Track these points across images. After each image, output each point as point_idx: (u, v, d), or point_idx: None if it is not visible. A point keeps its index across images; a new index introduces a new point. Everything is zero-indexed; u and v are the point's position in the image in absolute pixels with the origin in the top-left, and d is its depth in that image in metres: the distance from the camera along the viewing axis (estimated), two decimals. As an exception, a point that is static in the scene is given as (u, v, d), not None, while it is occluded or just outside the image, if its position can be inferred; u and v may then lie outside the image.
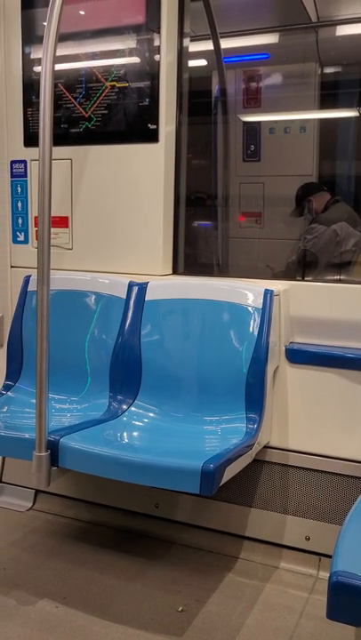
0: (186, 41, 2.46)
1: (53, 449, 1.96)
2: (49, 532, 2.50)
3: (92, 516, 2.59)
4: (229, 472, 1.88)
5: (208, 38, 2.81)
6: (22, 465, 2.03)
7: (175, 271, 2.53)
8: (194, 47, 2.63)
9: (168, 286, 2.39)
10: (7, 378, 2.51)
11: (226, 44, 3.18)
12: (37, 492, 2.70)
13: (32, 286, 2.55)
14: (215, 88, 3.42)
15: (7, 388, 2.49)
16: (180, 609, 2.02)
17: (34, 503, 2.69)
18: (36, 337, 1.99)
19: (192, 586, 2.15)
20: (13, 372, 2.51)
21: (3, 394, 2.47)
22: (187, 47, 2.48)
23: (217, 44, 2.88)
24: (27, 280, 2.58)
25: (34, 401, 2.01)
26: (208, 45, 2.85)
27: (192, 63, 2.60)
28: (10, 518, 2.61)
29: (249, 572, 2.26)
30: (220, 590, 2.13)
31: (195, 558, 2.33)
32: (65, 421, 2.22)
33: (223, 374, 2.19)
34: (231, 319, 2.23)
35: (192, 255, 2.81)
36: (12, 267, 2.72)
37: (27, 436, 2.01)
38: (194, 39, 2.67)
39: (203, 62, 3.38)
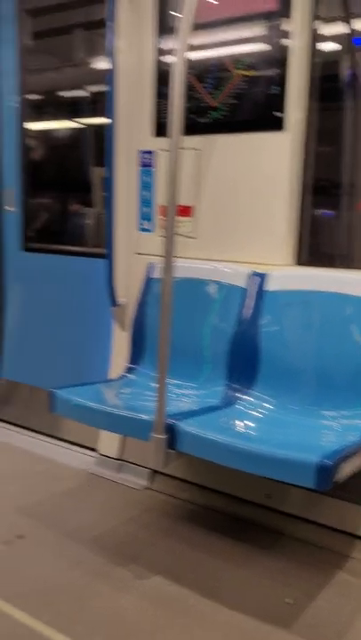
0: (318, 25, 2.40)
1: (171, 432, 2.02)
2: (163, 511, 2.59)
3: (205, 500, 2.64)
4: (347, 469, 1.84)
5: (339, 20, 2.71)
6: (141, 445, 2.11)
7: (299, 261, 2.49)
8: (323, 30, 2.54)
9: (290, 277, 2.37)
10: (130, 361, 2.61)
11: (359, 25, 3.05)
12: (154, 472, 2.80)
13: (155, 273, 2.62)
14: (345, 72, 3.29)
15: (129, 370, 2.60)
16: (288, 601, 2.02)
17: (150, 482, 2.79)
18: (158, 323, 2.06)
19: (301, 579, 2.14)
20: (136, 356, 2.61)
21: (125, 376, 2.58)
22: (319, 31, 2.41)
23: (350, 27, 2.77)
24: (150, 267, 2.66)
25: (153, 384, 2.08)
26: (339, 28, 2.75)
27: (321, 47, 2.52)
28: (128, 495, 2.73)
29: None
30: (330, 587, 2.10)
31: (304, 552, 2.31)
32: (182, 406, 2.28)
33: (344, 369, 2.14)
34: (355, 313, 2.17)
35: (317, 245, 2.75)
36: (136, 254, 2.81)
37: (146, 417, 2.08)
38: (324, 21, 2.58)
39: (333, 46, 3.26)
